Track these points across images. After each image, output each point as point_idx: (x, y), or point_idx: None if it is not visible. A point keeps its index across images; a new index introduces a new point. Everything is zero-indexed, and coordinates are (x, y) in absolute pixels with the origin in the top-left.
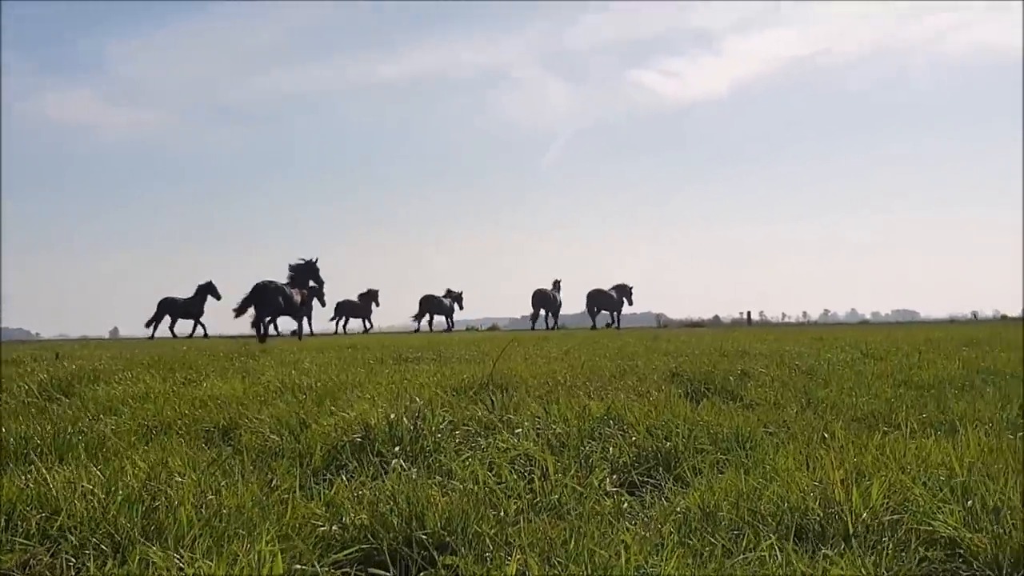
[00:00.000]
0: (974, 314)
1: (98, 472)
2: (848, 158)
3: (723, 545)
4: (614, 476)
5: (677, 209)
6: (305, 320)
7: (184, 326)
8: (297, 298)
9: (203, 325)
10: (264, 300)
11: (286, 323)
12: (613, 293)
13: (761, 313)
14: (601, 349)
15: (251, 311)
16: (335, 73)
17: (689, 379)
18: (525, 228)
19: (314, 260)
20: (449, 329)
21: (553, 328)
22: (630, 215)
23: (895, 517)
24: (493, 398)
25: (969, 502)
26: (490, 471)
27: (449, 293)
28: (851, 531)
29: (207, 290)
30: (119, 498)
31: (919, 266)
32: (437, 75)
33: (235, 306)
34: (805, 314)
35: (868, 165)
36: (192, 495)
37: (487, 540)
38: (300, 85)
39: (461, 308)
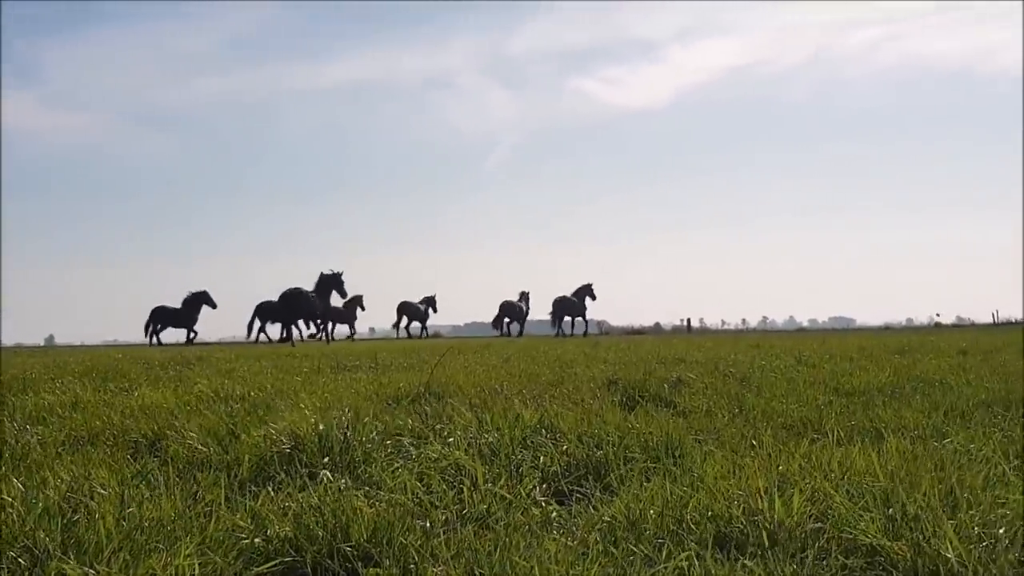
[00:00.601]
0: (909, 320)
1: (19, 484)
2: (788, 166)
3: (645, 555)
4: (544, 485)
5: (619, 216)
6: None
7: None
8: (321, 305)
9: (195, 332)
10: (295, 306)
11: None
12: (575, 299)
13: (701, 320)
14: (540, 357)
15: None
16: (274, 79)
17: (625, 387)
18: (466, 234)
19: (340, 273)
20: (423, 334)
21: (519, 335)
22: (571, 221)
23: (817, 525)
24: (427, 407)
25: (890, 510)
26: (420, 482)
27: (425, 299)
28: (773, 540)
29: (201, 299)
30: (38, 511)
31: (856, 274)
32: (379, 81)
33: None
34: (744, 321)
35: (807, 173)
36: (114, 508)
37: (412, 552)
38: (239, 91)
39: (435, 311)
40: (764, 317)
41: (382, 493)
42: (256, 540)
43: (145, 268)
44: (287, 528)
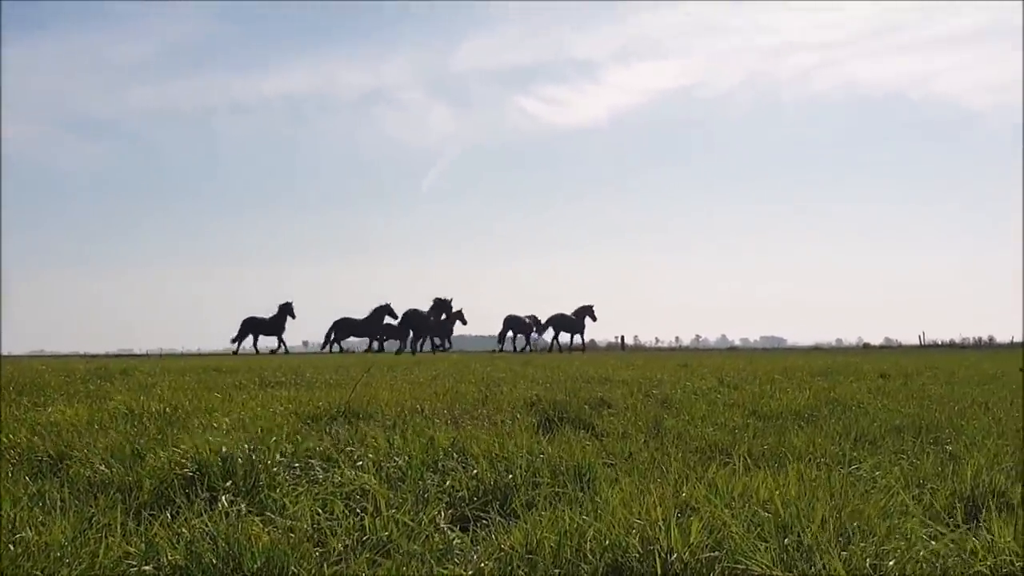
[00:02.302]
0: (838, 341)
1: None
2: (723, 187)
3: None
4: (450, 511)
5: (558, 233)
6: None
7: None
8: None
9: (283, 342)
10: (416, 324)
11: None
12: (574, 317)
13: (636, 337)
14: (469, 375)
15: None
16: (212, 89)
17: (545, 408)
18: (405, 249)
19: (450, 300)
20: (402, 350)
21: (523, 350)
22: (510, 237)
23: (713, 555)
24: (340, 429)
25: (786, 540)
26: (323, 507)
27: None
28: (667, 570)
29: (286, 310)
30: None
31: (789, 294)
32: (318, 94)
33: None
34: (678, 339)
35: (741, 195)
36: (4, 533)
37: None
38: (175, 101)
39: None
40: (697, 335)
41: (282, 520)
42: (147, 568)
43: (78, 278)
44: (179, 556)
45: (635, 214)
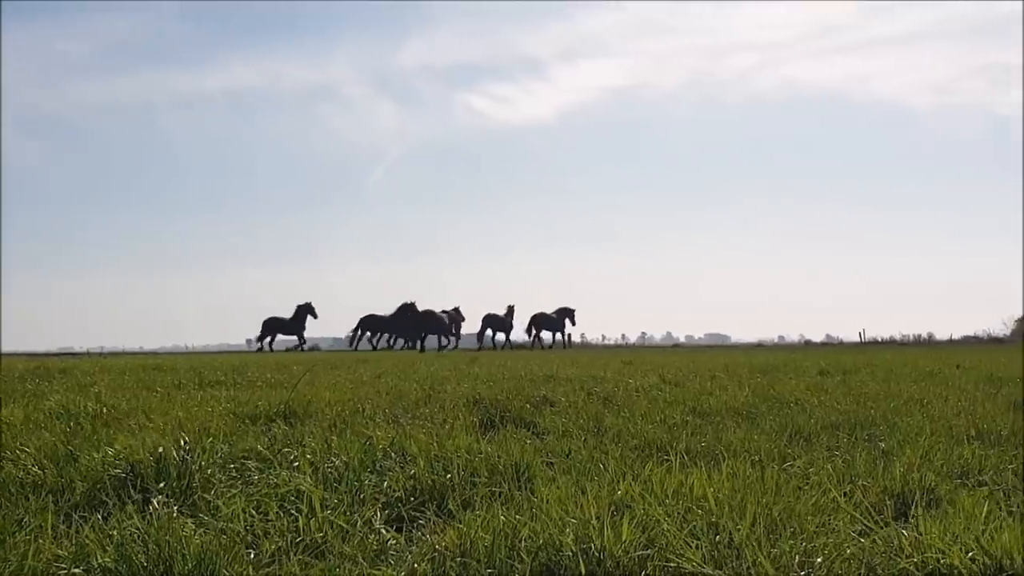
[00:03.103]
0: (780, 338)
1: None
2: (667, 188)
3: None
4: (386, 511)
5: (505, 231)
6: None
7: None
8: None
9: (303, 340)
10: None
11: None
12: (554, 315)
13: (583, 335)
14: (413, 373)
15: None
16: (154, 85)
17: (488, 406)
18: (349, 247)
19: (413, 303)
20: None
21: (504, 347)
22: (456, 236)
23: (646, 553)
24: (278, 429)
25: (717, 538)
26: (257, 509)
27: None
28: (599, 569)
29: (306, 310)
30: None
31: (733, 292)
32: (262, 90)
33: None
34: (624, 336)
35: (685, 194)
36: None
37: None
38: (117, 96)
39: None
40: (643, 333)
41: (215, 521)
42: (76, 571)
43: (19, 277)
44: (109, 559)
45: (582, 213)
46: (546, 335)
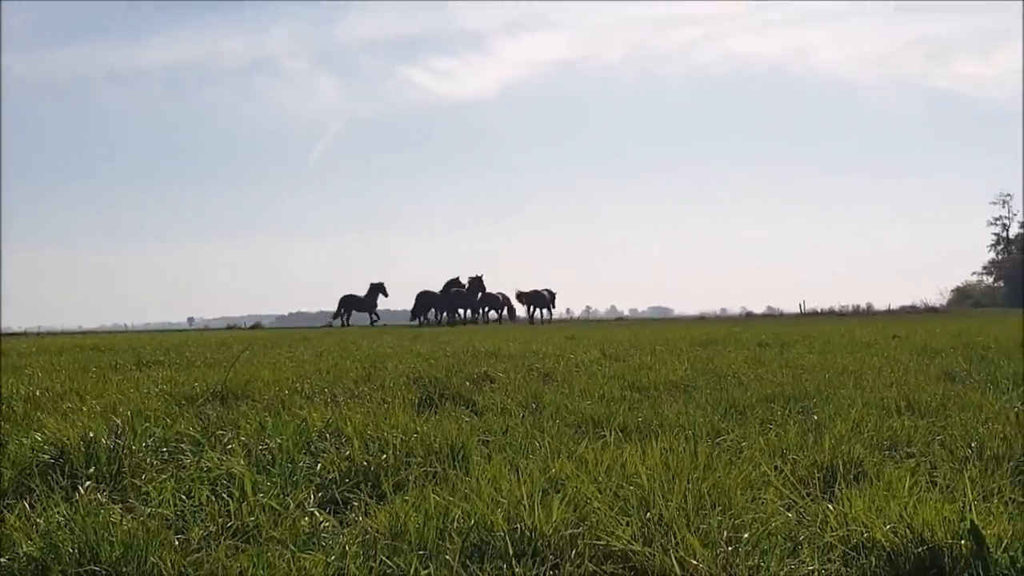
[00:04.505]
0: (723, 311)
1: None
2: (610, 162)
3: (401, 566)
4: (320, 493)
5: (447, 208)
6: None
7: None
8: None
9: (376, 315)
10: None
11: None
12: (545, 293)
13: (529, 311)
14: (355, 351)
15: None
16: (88, 58)
17: (427, 384)
18: (291, 224)
19: (481, 276)
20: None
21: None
22: (399, 213)
23: (576, 531)
24: (213, 411)
25: (648, 515)
26: (188, 494)
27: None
28: (529, 548)
29: (378, 288)
30: None
31: (676, 264)
32: (199, 63)
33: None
34: (569, 311)
35: (626, 167)
36: None
37: (164, 570)
38: (50, 70)
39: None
40: (588, 307)
41: (144, 507)
42: (1, 560)
43: None
44: (35, 548)
45: (526, 188)
46: (493, 313)
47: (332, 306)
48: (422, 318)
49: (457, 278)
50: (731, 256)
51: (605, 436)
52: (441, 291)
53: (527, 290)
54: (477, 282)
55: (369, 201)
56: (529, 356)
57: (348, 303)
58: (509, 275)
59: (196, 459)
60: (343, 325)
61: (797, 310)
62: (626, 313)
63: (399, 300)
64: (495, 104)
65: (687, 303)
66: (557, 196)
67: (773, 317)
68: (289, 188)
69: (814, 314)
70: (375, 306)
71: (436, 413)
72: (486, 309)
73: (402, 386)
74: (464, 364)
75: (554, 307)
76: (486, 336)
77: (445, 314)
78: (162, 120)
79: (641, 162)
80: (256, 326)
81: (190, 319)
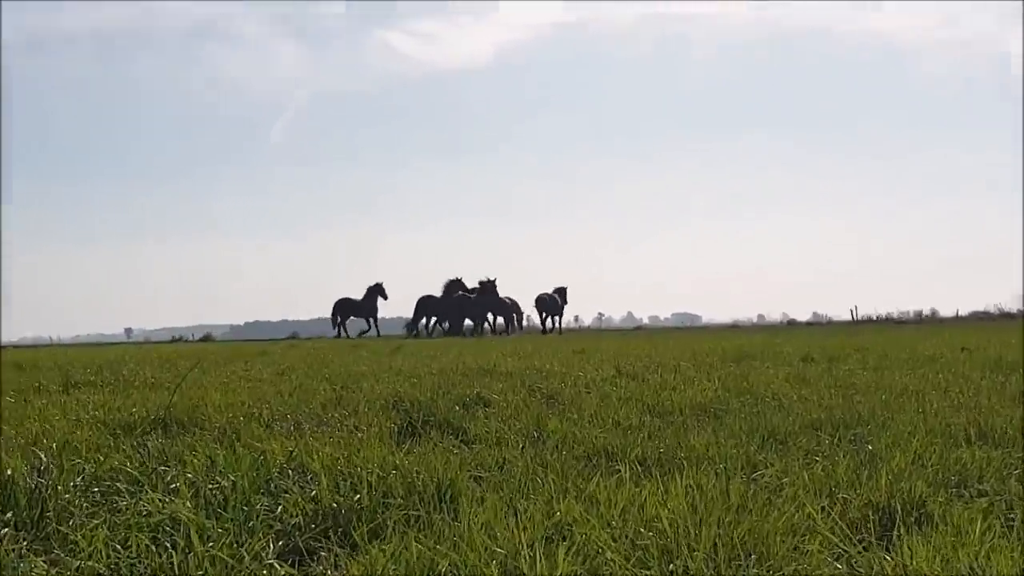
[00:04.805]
0: (760, 317)
1: None
2: (623, 141)
3: None
4: (281, 542)
5: (437, 194)
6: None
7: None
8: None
9: (375, 322)
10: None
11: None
12: (557, 297)
13: (529, 318)
14: (323, 369)
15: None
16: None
17: (409, 409)
18: (245, 216)
19: (494, 279)
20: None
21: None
22: (375, 201)
23: None
24: (155, 442)
25: (671, 567)
26: (125, 543)
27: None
28: None
29: (377, 291)
30: None
31: (704, 265)
32: (134, 28)
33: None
34: (578, 319)
35: (644, 149)
36: None
37: None
38: None
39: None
40: (600, 314)
41: (71, 559)
42: None
43: None
44: None
45: (526, 173)
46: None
47: (296, 313)
48: (422, 327)
49: (459, 279)
50: (770, 252)
51: (620, 471)
52: (442, 295)
53: (547, 292)
54: (491, 287)
55: (339, 190)
56: (530, 374)
57: (344, 308)
58: (507, 273)
59: (134, 501)
60: (339, 335)
61: (848, 317)
62: (645, 321)
63: (387, 305)
64: (488, 74)
65: (717, 309)
66: (563, 180)
67: (820, 326)
68: (244, 175)
69: (868, 321)
70: (375, 311)
71: (419, 444)
72: (494, 318)
73: (379, 411)
74: (453, 384)
75: (566, 303)
76: (479, 350)
77: (447, 324)
78: (91, 95)
79: (661, 141)
80: (206, 338)
81: (128, 330)
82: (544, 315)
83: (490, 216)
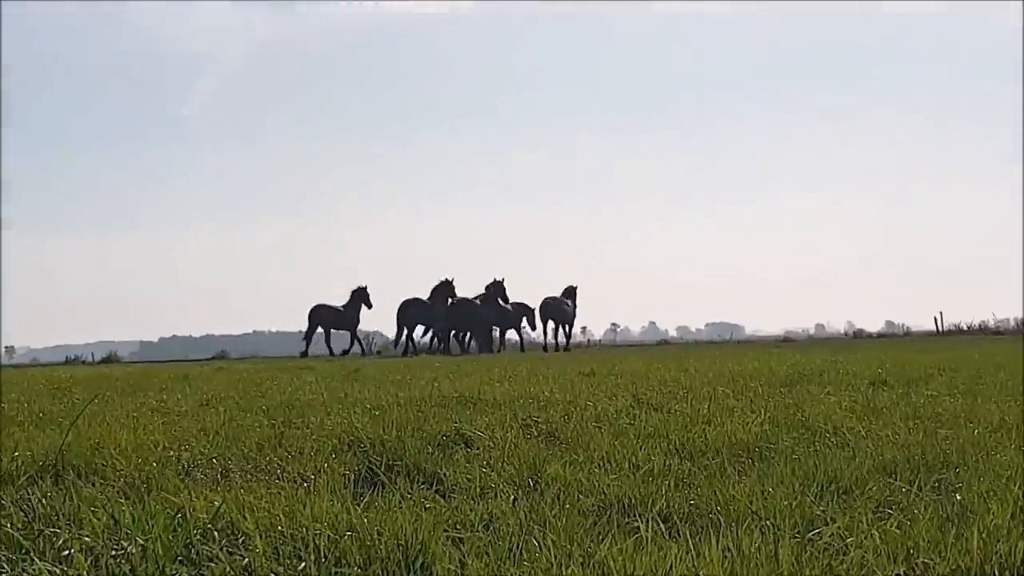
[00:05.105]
0: (819, 327)
1: None
2: (637, 109)
3: None
4: None
5: (403, 174)
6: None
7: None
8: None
9: (359, 339)
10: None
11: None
12: (568, 301)
13: (523, 328)
14: (260, 399)
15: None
16: None
17: (370, 449)
18: (159, 204)
19: (502, 280)
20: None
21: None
22: (328, 185)
23: None
24: (37, 499)
25: None
26: None
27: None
28: None
29: (361, 297)
30: None
31: (747, 264)
32: None
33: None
34: (586, 331)
35: (664, 118)
36: None
37: None
38: None
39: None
40: (614, 325)
41: None
42: None
43: None
44: None
45: (515, 147)
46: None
47: (224, 326)
48: (418, 341)
49: (448, 281)
50: (829, 246)
51: (639, 530)
52: (431, 298)
53: (552, 296)
54: (499, 290)
55: (281, 170)
56: (525, 404)
57: (322, 317)
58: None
59: (16, 572)
60: (308, 353)
61: (932, 326)
62: (672, 333)
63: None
64: (469, 20)
65: (765, 317)
66: (560, 160)
67: (895, 338)
68: (158, 151)
69: (957, 332)
70: (358, 322)
71: (382, 496)
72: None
73: (331, 454)
74: (426, 418)
75: (575, 308)
76: (459, 373)
77: (436, 338)
78: None
79: (692, 113)
80: (109, 359)
81: (8, 349)
82: (551, 325)
83: (471, 202)
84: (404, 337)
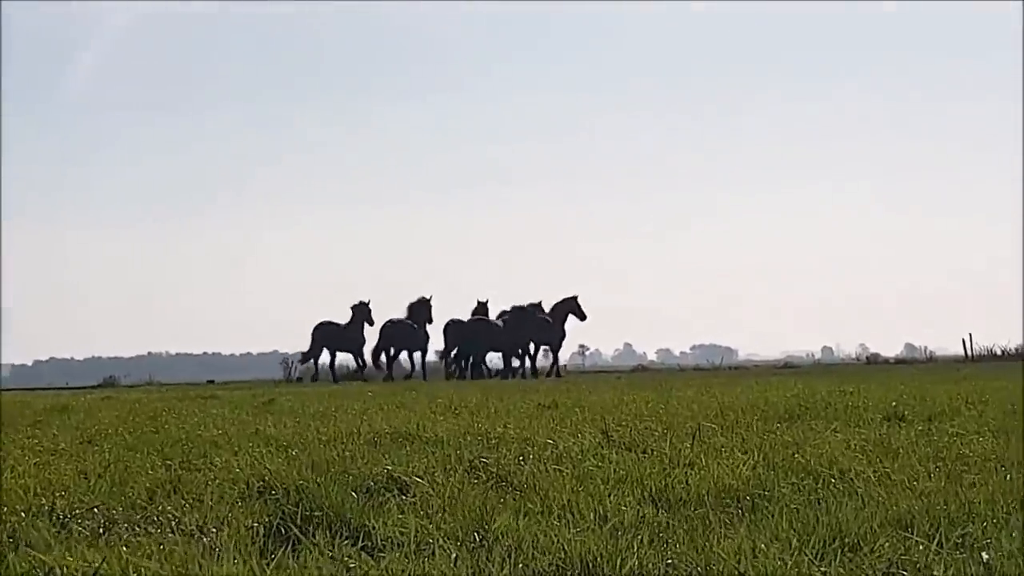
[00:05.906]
0: (825, 351)
1: None
2: (630, 91)
3: None
4: None
5: (343, 165)
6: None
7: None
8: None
9: (363, 361)
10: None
11: None
12: (548, 319)
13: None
14: (154, 435)
15: None
16: None
17: (283, 497)
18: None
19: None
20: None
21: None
22: (248, 178)
23: None
24: None
25: None
26: None
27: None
28: None
29: (364, 314)
30: None
31: (740, 279)
32: None
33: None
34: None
35: (666, 109)
36: None
37: None
38: None
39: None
40: (582, 348)
41: None
42: None
43: None
44: None
45: (486, 134)
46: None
47: (113, 348)
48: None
49: (426, 299)
50: (839, 254)
51: None
52: (409, 317)
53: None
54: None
55: (186, 158)
56: (472, 442)
57: (329, 337)
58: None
59: None
60: (317, 378)
61: (960, 350)
62: (651, 357)
63: (289, 335)
64: None
65: (762, 339)
66: (539, 146)
67: (916, 363)
68: (30, 134)
69: (990, 357)
70: (363, 341)
71: (297, 553)
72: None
73: (236, 501)
74: (352, 458)
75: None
76: (396, 404)
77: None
78: None
79: (693, 99)
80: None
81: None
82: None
83: (422, 198)
84: (386, 360)
